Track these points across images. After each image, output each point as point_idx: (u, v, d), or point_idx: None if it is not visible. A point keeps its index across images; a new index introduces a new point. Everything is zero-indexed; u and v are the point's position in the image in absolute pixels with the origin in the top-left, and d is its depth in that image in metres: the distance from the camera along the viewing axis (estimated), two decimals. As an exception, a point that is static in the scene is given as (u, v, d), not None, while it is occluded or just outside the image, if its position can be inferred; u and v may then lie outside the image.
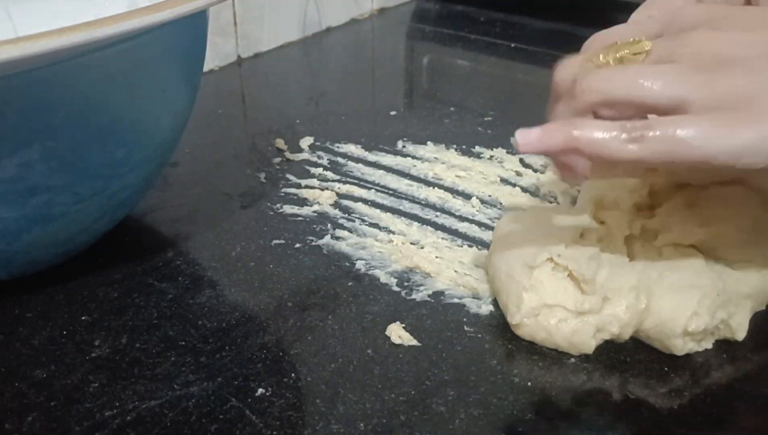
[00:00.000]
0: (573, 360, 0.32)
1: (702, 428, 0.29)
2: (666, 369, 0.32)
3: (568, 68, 0.29)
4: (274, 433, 0.28)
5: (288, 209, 0.44)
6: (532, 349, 0.33)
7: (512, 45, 0.73)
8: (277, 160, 0.50)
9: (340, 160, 0.50)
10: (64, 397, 0.30)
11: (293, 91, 0.63)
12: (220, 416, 0.29)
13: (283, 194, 0.46)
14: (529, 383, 0.31)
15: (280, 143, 0.52)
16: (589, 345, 0.32)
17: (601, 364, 0.32)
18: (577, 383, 0.31)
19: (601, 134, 0.25)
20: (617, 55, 0.27)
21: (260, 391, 0.30)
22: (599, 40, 0.30)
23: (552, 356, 0.32)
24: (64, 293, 0.36)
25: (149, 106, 0.34)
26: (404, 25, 0.83)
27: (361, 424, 0.29)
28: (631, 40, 0.27)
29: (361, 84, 0.66)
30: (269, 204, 0.45)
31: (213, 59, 0.66)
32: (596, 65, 0.28)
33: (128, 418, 0.29)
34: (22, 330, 0.34)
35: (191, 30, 0.36)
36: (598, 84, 0.26)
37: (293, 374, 0.31)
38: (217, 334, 0.34)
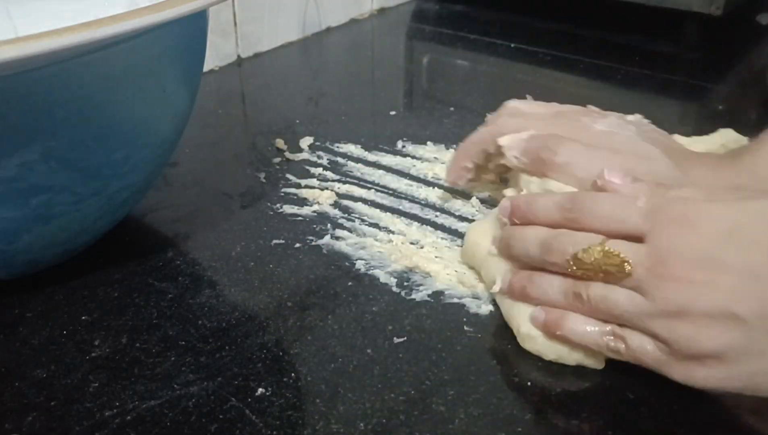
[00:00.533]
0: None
1: (702, 428, 0.29)
2: (666, 369, 0.32)
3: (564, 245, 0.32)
4: (274, 432, 0.28)
5: (288, 209, 0.44)
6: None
7: (512, 45, 0.73)
8: (277, 160, 0.50)
9: (339, 160, 0.50)
10: (64, 396, 0.30)
11: (293, 91, 0.63)
12: (220, 416, 0.29)
13: (283, 194, 0.46)
14: (529, 383, 0.31)
15: (280, 143, 0.52)
16: (601, 363, 0.32)
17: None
18: (577, 383, 0.31)
19: (585, 332, 0.31)
20: (601, 266, 0.30)
21: (260, 390, 0.30)
22: (591, 207, 0.32)
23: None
24: (64, 293, 0.37)
25: (149, 106, 0.34)
26: (404, 25, 0.83)
27: (361, 424, 0.29)
28: (619, 256, 0.30)
29: (361, 84, 0.66)
30: (269, 204, 0.45)
31: (213, 59, 0.66)
32: (582, 266, 0.31)
33: (128, 417, 0.29)
34: (22, 330, 0.34)
35: (191, 30, 0.36)
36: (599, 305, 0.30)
37: (293, 374, 0.31)
38: (217, 334, 0.34)
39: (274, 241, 0.41)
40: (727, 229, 0.28)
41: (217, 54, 0.66)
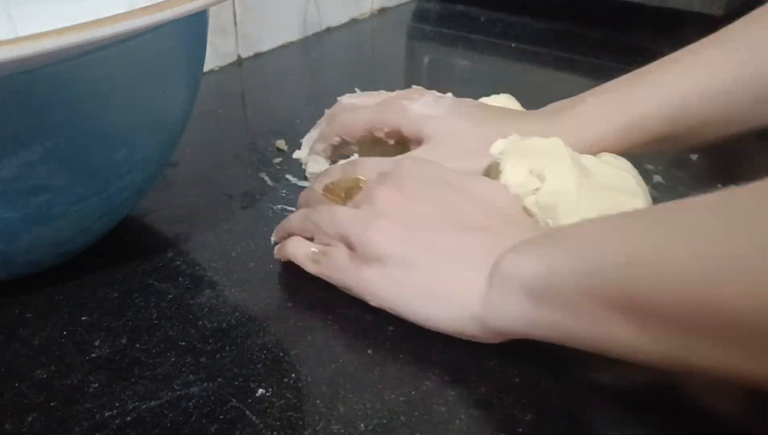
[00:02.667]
0: (574, 361, 0.32)
1: (702, 428, 0.29)
2: (666, 369, 0.32)
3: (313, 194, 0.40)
4: (275, 433, 0.28)
5: (288, 209, 0.44)
6: (532, 349, 0.33)
7: (512, 45, 0.73)
8: (278, 160, 0.50)
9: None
10: (64, 397, 0.30)
11: (293, 91, 0.63)
12: (220, 416, 0.29)
13: (283, 194, 0.46)
14: (529, 383, 0.31)
15: (280, 144, 0.52)
16: None
17: (602, 364, 0.32)
18: (577, 383, 0.31)
19: (298, 251, 0.37)
20: (348, 186, 0.38)
21: (260, 391, 0.30)
22: (338, 171, 0.40)
23: (552, 356, 0.32)
24: (64, 293, 0.36)
25: (149, 106, 0.34)
26: (404, 25, 0.83)
27: (362, 425, 0.29)
28: (358, 177, 0.38)
29: (362, 84, 0.66)
30: (269, 204, 0.45)
31: (213, 59, 0.66)
32: (331, 191, 0.39)
33: (128, 418, 0.29)
34: (22, 330, 0.34)
35: (191, 30, 0.36)
36: (315, 217, 0.37)
37: (293, 374, 0.31)
38: (217, 334, 0.34)
39: (275, 241, 0.41)
40: (438, 180, 0.35)
41: (217, 54, 0.66)
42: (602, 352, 0.28)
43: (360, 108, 0.45)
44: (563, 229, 0.32)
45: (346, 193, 0.38)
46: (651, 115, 0.39)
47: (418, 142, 0.42)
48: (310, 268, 0.36)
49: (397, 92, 0.46)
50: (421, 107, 0.42)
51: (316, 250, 0.36)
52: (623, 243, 0.26)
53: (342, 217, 0.35)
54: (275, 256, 0.39)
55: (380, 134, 0.43)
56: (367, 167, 0.38)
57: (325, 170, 0.41)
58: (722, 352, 0.22)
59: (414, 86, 0.45)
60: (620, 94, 0.40)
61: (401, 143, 0.43)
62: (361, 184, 0.37)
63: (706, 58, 0.39)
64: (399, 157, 0.39)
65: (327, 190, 0.39)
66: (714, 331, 0.22)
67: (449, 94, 0.44)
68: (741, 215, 0.22)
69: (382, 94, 0.46)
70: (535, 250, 0.30)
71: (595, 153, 0.39)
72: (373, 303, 0.34)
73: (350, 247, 0.34)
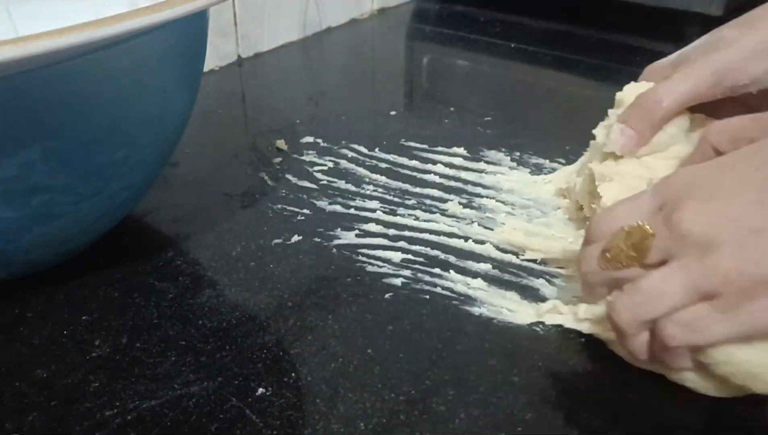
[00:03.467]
0: (573, 360, 0.32)
1: (702, 428, 0.29)
2: (666, 369, 0.32)
3: (591, 262, 0.32)
4: (275, 432, 0.28)
5: (288, 209, 0.44)
6: (533, 349, 0.33)
7: (512, 45, 0.73)
8: (278, 160, 0.50)
9: (340, 160, 0.50)
10: (65, 396, 0.30)
11: (293, 91, 0.63)
12: (221, 416, 0.29)
13: (283, 194, 0.46)
14: (529, 383, 0.31)
15: (280, 144, 0.52)
16: None
17: (601, 363, 0.32)
18: (577, 383, 0.31)
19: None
20: (628, 251, 0.30)
21: (260, 390, 0.30)
22: (604, 224, 0.32)
23: (552, 356, 0.32)
24: (64, 293, 0.37)
25: (149, 105, 0.34)
26: (404, 25, 0.83)
27: (361, 424, 0.29)
28: (636, 225, 0.30)
29: (361, 84, 0.66)
30: (269, 204, 0.45)
31: (213, 59, 0.66)
32: (613, 263, 0.31)
33: (128, 417, 0.29)
34: (22, 330, 0.34)
35: (191, 30, 0.36)
36: (630, 310, 0.29)
37: (293, 374, 0.31)
38: (218, 333, 0.34)
39: (275, 241, 0.41)
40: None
41: (217, 54, 0.66)
42: None
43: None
44: None
45: (635, 251, 0.30)
46: None
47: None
48: (683, 340, 0.28)
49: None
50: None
51: (677, 327, 0.28)
52: None
53: (667, 286, 0.28)
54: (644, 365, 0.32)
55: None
56: (627, 211, 0.31)
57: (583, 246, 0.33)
58: None
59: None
60: None
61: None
62: (647, 234, 0.29)
63: None
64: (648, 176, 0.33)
65: (606, 262, 0.31)
66: None
67: None
68: None
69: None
70: None
71: None
72: None
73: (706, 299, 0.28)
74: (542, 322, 0.34)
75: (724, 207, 0.28)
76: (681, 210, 0.28)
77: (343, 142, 0.52)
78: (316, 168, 0.49)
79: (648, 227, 0.29)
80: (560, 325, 0.34)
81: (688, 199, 0.29)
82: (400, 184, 0.47)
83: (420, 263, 0.39)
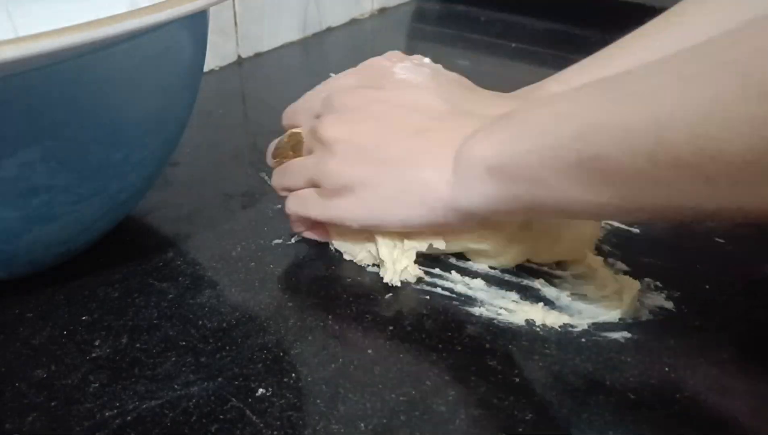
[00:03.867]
0: (574, 361, 0.32)
1: (702, 428, 0.29)
2: (666, 369, 0.32)
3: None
4: (275, 433, 0.28)
5: (288, 209, 0.44)
6: (532, 350, 0.33)
7: (512, 45, 0.73)
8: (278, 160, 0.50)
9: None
10: (65, 397, 0.30)
11: (293, 91, 0.63)
12: (221, 416, 0.29)
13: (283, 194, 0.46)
14: (529, 383, 0.31)
15: (280, 143, 0.51)
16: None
17: (602, 364, 0.32)
18: (577, 383, 0.31)
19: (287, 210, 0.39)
20: (288, 149, 0.40)
21: (260, 391, 0.30)
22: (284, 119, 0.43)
23: (552, 356, 0.32)
24: (64, 293, 0.36)
25: (149, 106, 0.34)
26: (404, 25, 0.83)
27: (362, 424, 0.29)
28: (294, 131, 0.40)
29: (361, 84, 0.66)
30: (270, 204, 0.45)
31: (213, 59, 0.66)
32: (278, 158, 0.41)
33: (128, 418, 0.29)
34: (22, 330, 0.34)
35: (191, 30, 0.36)
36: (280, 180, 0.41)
37: (293, 374, 0.31)
38: (218, 334, 0.34)
39: (275, 241, 0.41)
40: (373, 99, 0.37)
41: (217, 54, 0.66)
42: (566, 215, 0.34)
43: (345, 76, 0.43)
44: (516, 111, 0.32)
45: (293, 150, 0.40)
46: None
47: None
48: (293, 210, 0.39)
49: (375, 58, 0.44)
50: (402, 71, 0.41)
51: (291, 198, 0.39)
52: (582, 112, 0.28)
53: (299, 166, 0.38)
54: (296, 233, 0.41)
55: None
56: (300, 118, 0.41)
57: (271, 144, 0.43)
58: (672, 191, 0.25)
59: (389, 51, 0.43)
60: (594, 68, 0.41)
61: None
62: (300, 138, 0.40)
63: (678, 25, 0.41)
64: (323, 93, 0.40)
65: (276, 156, 0.41)
66: (666, 175, 0.24)
67: (427, 60, 0.43)
68: (690, 72, 0.24)
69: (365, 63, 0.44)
70: (496, 132, 0.32)
71: None
72: (354, 226, 0.37)
73: (318, 186, 0.37)
74: (542, 322, 0.34)
75: (349, 121, 0.36)
76: (323, 119, 0.37)
77: (343, 142, 0.52)
78: (316, 168, 0.49)
79: (300, 132, 0.40)
80: (561, 326, 0.34)
81: (330, 113, 0.37)
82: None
83: (420, 263, 0.39)
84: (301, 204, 0.38)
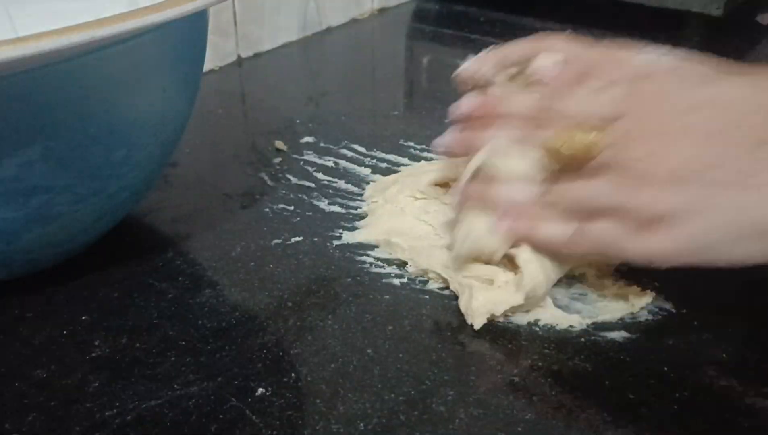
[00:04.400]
0: (574, 360, 0.32)
1: (702, 429, 0.29)
2: (666, 369, 0.32)
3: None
4: (274, 432, 0.28)
5: (288, 209, 0.44)
6: (533, 350, 0.33)
7: (512, 45, 0.73)
8: (277, 160, 0.50)
9: (340, 160, 0.50)
10: (64, 396, 0.30)
11: (293, 91, 0.63)
12: (220, 416, 0.29)
13: (283, 194, 0.46)
14: (529, 383, 0.31)
15: (280, 144, 0.52)
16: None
17: (601, 364, 0.32)
18: (577, 383, 0.31)
19: (551, 234, 0.33)
20: (577, 143, 0.32)
21: (260, 390, 0.30)
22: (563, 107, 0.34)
23: (552, 357, 0.32)
24: (64, 293, 0.37)
25: (149, 106, 0.34)
26: (404, 25, 0.83)
27: (361, 424, 0.29)
28: (591, 131, 0.32)
29: (361, 84, 0.66)
30: (269, 204, 0.45)
31: (213, 59, 0.66)
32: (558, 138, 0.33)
33: (128, 417, 0.29)
34: (22, 330, 0.34)
35: (191, 30, 0.36)
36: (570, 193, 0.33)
37: (293, 374, 0.31)
38: (217, 334, 0.34)
39: (274, 241, 0.41)
40: (687, 105, 0.30)
41: (217, 54, 0.66)
42: None
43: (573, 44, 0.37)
44: None
45: (582, 150, 0.32)
46: None
47: None
48: (573, 249, 0.33)
49: (592, 51, 0.37)
50: (642, 62, 0.35)
51: (573, 231, 0.32)
52: None
53: (595, 191, 0.31)
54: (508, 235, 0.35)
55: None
56: (585, 113, 0.32)
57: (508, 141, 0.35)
58: None
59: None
60: None
61: None
62: (595, 145, 0.31)
63: None
64: (617, 91, 0.32)
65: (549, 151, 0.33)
66: None
67: (665, 50, 0.36)
68: None
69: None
70: None
71: None
72: (666, 265, 0.31)
73: (617, 217, 0.31)
74: (542, 322, 0.34)
75: (665, 136, 0.30)
76: (623, 133, 0.31)
77: (343, 142, 0.52)
78: (316, 168, 0.49)
79: (596, 146, 0.31)
80: (561, 326, 0.34)
81: (633, 139, 0.31)
82: (400, 184, 0.47)
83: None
84: (581, 237, 0.32)
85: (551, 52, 0.36)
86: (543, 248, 0.33)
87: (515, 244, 0.34)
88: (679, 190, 0.29)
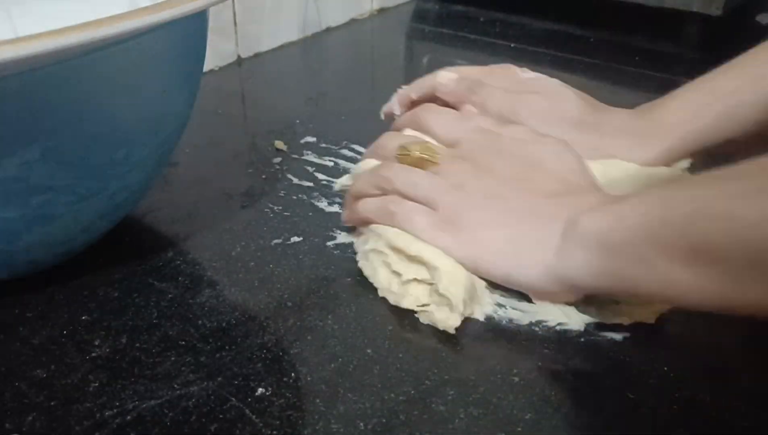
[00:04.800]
0: (574, 360, 0.32)
1: (702, 429, 0.29)
2: (666, 369, 0.32)
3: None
4: (274, 432, 0.28)
5: (288, 209, 0.44)
6: (532, 350, 0.33)
7: (512, 45, 0.73)
8: (277, 160, 0.50)
9: (340, 160, 0.50)
10: (64, 396, 0.30)
11: (293, 91, 0.63)
12: (220, 416, 0.29)
13: (283, 194, 0.46)
14: (529, 383, 0.31)
15: (279, 144, 0.52)
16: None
17: (601, 364, 0.32)
18: (577, 383, 0.31)
19: (371, 207, 0.39)
20: (421, 155, 0.39)
21: (260, 390, 0.30)
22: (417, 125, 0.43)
23: (552, 356, 0.32)
24: (64, 293, 0.37)
25: (149, 106, 0.34)
26: (404, 25, 0.83)
27: (361, 424, 0.29)
28: (429, 146, 0.40)
29: (361, 84, 0.66)
30: (269, 204, 0.45)
31: (213, 59, 0.66)
32: (401, 156, 0.40)
33: (128, 417, 0.29)
34: (22, 330, 0.34)
35: (191, 30, 0.36)
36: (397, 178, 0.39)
37: (293, 374, 0.31)
38: (217, 333, 0.34)
39: (274, 241, 0.41)
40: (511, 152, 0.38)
41: (217, 54, 0.66)
42: (665, 299, 0.33)
43: (464, 70, 0.47)
44: (634, 193, 0.33)
45: (416, 162, 0.39)
46: (744, 102, 0.40)
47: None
48: (384, 220, 0.38)
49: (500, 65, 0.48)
50: (532, 75, 0.45)
51: (393, 206, 0.37)
52: (691, 200, 0.28)
53: (422, 181, 0.37)
54: (344, 223, 0.41)
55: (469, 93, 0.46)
56: (439, 133, 0.41)
57: (392, 135, 0.43)
58: None
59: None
60: (704, 92, 0.42)
61: None
62: (435, 159, 0.39)
63: None
64: (470, 124, 0.41)
65: (402, 149, 0.40)
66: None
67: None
68: None
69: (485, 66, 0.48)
70: (610, 208, 0.32)
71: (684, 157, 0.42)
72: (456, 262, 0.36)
73: (422, 204, 0.37)
74: (542, 322, 0.34)
75: (488, 168, 0.37)
76: (454, 163, 0.38)
77: (343, 142, 0.52)
78: (316, 168, 0.49)
79: (435, 152, 0.39)
80: (560, 326, 0.34)
81: (463, 162, 0.38)
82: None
83: (420, 263, 0.39)
84: (407, 218, 0.37)
85: (448, 71, 0.46)
86: (365, 220, 0.39)
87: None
88: (478, 206, 0.36)
